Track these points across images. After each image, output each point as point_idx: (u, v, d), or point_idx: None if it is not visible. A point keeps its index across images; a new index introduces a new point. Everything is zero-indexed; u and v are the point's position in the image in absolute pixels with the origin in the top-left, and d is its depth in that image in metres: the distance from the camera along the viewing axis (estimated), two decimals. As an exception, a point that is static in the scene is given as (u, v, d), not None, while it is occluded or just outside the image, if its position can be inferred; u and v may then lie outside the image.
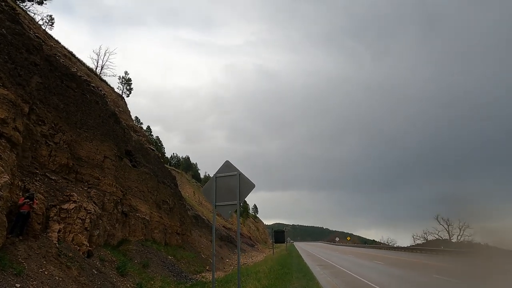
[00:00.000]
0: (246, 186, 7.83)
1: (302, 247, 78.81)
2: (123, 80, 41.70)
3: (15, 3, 20.44)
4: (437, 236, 48.27)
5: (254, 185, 7.82)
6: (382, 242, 77.51)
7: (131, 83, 42.72)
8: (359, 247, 68.75)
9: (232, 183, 7.94)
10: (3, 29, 12.88)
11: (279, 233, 51.71)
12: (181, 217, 30.12)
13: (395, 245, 60.41)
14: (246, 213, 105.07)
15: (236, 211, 8.10)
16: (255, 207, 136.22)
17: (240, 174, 7.94)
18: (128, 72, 43.39)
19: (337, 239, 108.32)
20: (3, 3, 14.23)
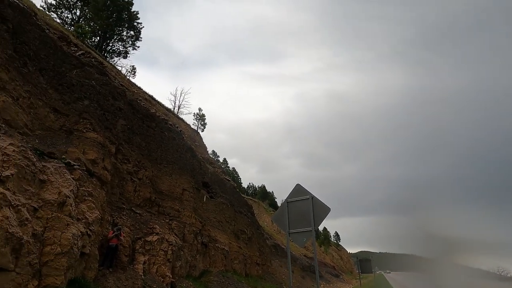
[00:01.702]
0: (321, 210, 7.18)
1: (394, 277, 71.47)
2: (197, 116, 44.52)
3: (103, 58, 23.43)
4: None
5: (330, 208, 7.14)
6: (491, 271, 66.52)
7: (205, 119, 45.34)
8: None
9: (304, 208, 7.37)
10: (93, 81, 14.63)
11: (365, 262, 47.86)
12: (260, 247, 29.76)
13: (508, 275, 51.22)
14: (327, 241, 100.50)
15: (311, 239, 7.45)
16: (336, 234, 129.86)
17: (313, 197, 7.36)
18: (201, 109, 46.36)
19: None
20: (93, 59, 16.30)
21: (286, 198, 7.76)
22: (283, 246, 44.66)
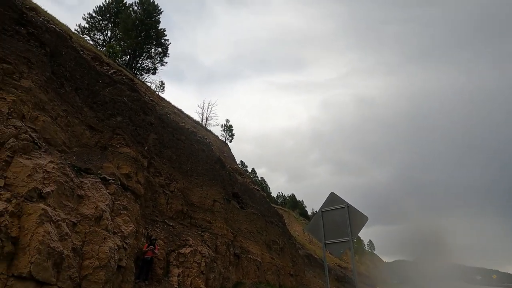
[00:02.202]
0: (357, 219, 6.88)
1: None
2: (225, 127, 45.01)
3: (134, 75, 24.27)
4: None
5: (367, 217, 6.82)
6: None
7: (233, 129, 45.74)
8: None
9: (340, 217, 7.09)
10: (124, 98, 15.13)
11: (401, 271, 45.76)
12: (293, 257, 29.24)
13: None
14: (361, 250, 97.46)
15: (349, 249, 7.13)
16: (370, 242, 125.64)
17: (348, 206, 7.07)
18: (228, 120, 46.82)
19: (478, 277, 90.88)
20: (124, 77, 16.90)
21: (321, 208, 7.52)
22: (316, 256, 43.70)
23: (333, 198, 7.40)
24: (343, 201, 7.20)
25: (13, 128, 8.56)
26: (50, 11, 17.85)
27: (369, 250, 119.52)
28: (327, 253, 7.53)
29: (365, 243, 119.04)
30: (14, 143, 8.29)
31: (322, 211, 7.49)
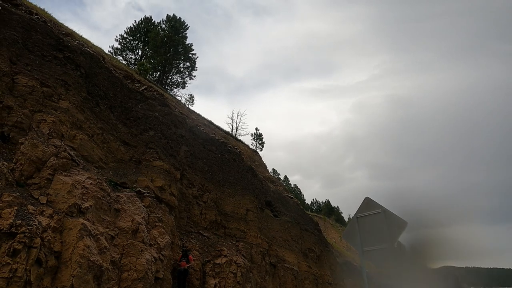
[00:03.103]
0: (396, 224, 6.51)
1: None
2: (255, 136, 45.17)
3: (164, 90, 25.02)
4: None
5: (406, 222, 6.44)
6: None
7: (263, 138, 45.80)
8: None
9: (376, 223, 6.76)
10: (156, 112, 15.59)
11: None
12: (331, 265, 28.45)
13: None
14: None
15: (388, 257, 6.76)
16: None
17: (385, 211, 6.73)
18: (258, 129, 46.95)
19: None
20: (155, 92, 17.45)
21: (356, 213, 7.22)
22: (355, 264, 42.26)
23: (368, 203, 7.08)
24: (379, 206, 6.87)
25: (53, 147, 9.03)
26: (86, 36, 18.92)
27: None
28: (368, 261, 7.20)
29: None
30: (54, 162, 8.73)
31: (357, 217, 7.19)
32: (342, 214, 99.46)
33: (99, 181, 9.73)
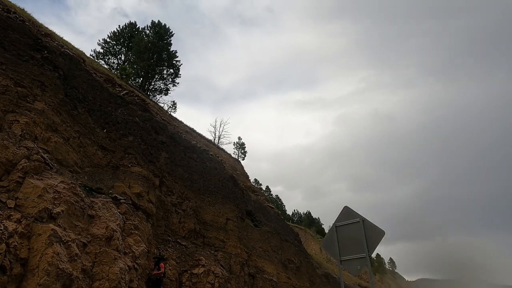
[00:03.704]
0: (374, 234, 6.53)
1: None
2: (238, 145, 45.05)
3: (146, 96, 24.68)
4: None
5: (384, 232, 6.47)
6: None
7: (245, 147, 45.79)
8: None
9: (355, 232, 6.76)
10: (136, 118, 15.30)
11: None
12: (310, 277, 28.32)
13: None
14: (382, 269, 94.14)
15: (366, 266, 6.75)
16: (391, 260, 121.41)
17: (363, 220, 6.75)
18: (241, 138, 46.94)
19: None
20: (136, 97, 17.17)
21: (334, 222, 7.20)
22: (334, 275, 42.29)
23: (347, 212, 7.08)
24: (358, 215, 6.89)
25: (25, 149, 8.66)
26: (68, 39, 18.50)
27: (390, 269, 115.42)
28: (345, 272, 7.16)
29: (385, 261, 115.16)
30: (25, 164, 8.36)
31: (336, 226, 7.17)
32: (322, 226, 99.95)
33: (73, 185, 9.38)
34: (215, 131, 41.16)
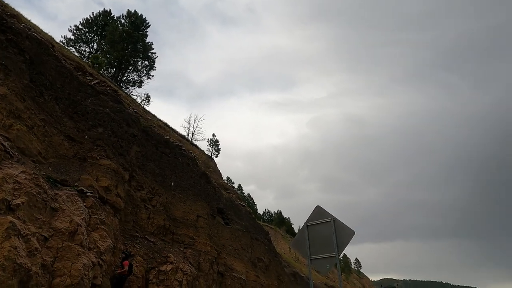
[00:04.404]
0: (344, 233, 6.64)
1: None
2: (211, 142, 44.60)
3: (119, 87, 23.89)
4: None
5: (354, 231, 6.59)
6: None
7: (219, 144, 45.44)
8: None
9: (326, 231, 6.83)
10: (107, 109, 14.74)
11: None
12: (279, 275, 28.56)
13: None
14: (348, 268, 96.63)
15: (335, 265, 6.84)
16: (357, 261, 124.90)
17: (335, 220, 6.84)
18: (215, 135, 46.53)
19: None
20: (108, 88, 16.55)
21: (306, 221, 7.24)
22: (302, 275, 42.92)
23: (319, 212, 7.15)
24: (329, 215, 6.97)
25: (-17, 136, 8.10)
26: (37, 22, 17.48)
27: (356, 269, 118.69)
28: (313, 271, 7.21)
29: (351, 261, 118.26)
30: (-17, 152, 7.82)
31: (307, 225, 7.22)
32: (292, 225, 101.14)
33: (35, 176, 8.87)
34: (189, 127, 40.54)
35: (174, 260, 13.92)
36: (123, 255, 11.22)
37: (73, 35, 33.88)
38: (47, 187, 9.18)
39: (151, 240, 14.33)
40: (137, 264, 11.79)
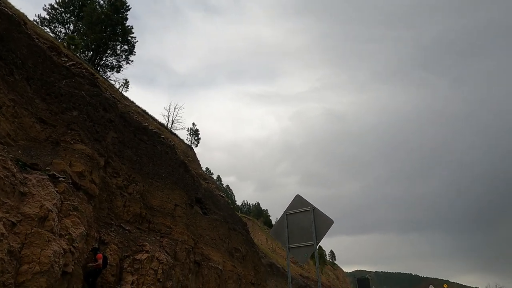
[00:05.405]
0: (323, 223, 6.65)
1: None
2: (191, 131, 44.06)
3: (96, 71, 23.04)
4: None
5: (332, 221, 6.62)
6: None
7: (199, 134, 44.95)
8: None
9: (305, 220, 6.83)
10: (83, 92, 14.15)
11: (363, 281, 46.50)
12: (255, 266, 28.76)
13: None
14: (322, 260, 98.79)
15: (313, 255, 6.86)
16: (331, 253, 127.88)
17: (314, 209, 6.84)
18: (195, 124, 45.98)
19: (431, 287, 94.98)
20: (84, 70, 15.89)
21: (285, 210, 7.22)
22: (278, 265, 43.48)
23: (299, 201, 7.14)
24: (309, 204, 6.96)
25: None
26: (12, 1, 16.45)
27: (330, 260, 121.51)
28: (290, 261, 7.27)
29: (326, 253, 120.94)
30: None
31: (286, 214, 7.20)
32: (270, 217, 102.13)
33: (3, 158, 8.40)
34: (168, 115, 39.86)
35: (150, 249, 13.68)
36: (92, 251, 10.75)
37: (48, 14, 32.32)
38: (15, 170, 8.72)
39: (127, 228, 14.00)
40: (111, 253, 11.49)
